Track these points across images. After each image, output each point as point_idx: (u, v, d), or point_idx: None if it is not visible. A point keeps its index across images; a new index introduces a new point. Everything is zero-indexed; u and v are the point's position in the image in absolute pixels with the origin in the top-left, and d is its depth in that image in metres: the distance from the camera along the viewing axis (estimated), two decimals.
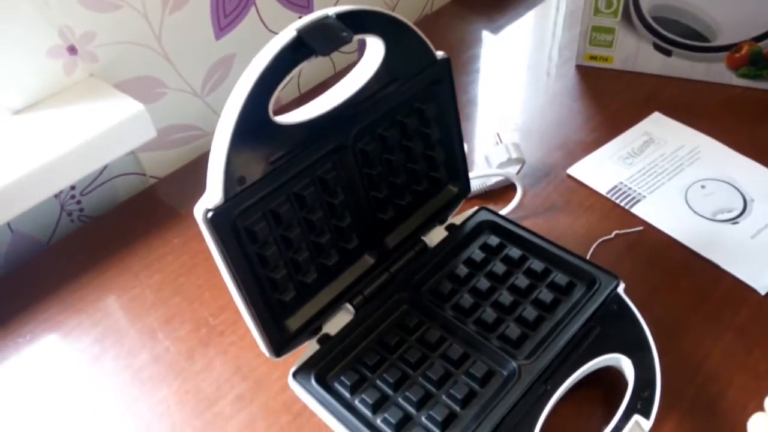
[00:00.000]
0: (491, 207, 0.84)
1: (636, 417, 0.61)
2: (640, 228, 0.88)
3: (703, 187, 0.92)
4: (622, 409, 0.62)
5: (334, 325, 0.71)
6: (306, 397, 0.66)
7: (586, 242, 0.86)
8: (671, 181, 0.93)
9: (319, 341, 0.70)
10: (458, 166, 0.79)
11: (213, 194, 0.57)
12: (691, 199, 0.90)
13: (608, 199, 0.93)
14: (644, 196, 0.91)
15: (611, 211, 0.91)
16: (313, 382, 0.66)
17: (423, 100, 0.72)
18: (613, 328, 0.69)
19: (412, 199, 0.77)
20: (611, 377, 0.68)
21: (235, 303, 0.62)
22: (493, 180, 0.94)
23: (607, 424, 0.61)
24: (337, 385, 0.67)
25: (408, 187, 0.76)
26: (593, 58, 1.16)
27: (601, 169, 0.96)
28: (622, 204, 0.91)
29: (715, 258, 0.82)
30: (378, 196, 0.72)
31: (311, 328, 0.69)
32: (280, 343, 0.66)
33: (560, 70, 1.19)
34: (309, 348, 0.69)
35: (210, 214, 0.56)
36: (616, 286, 0.72)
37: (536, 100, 1.14)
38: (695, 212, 0.89)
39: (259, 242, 0.61)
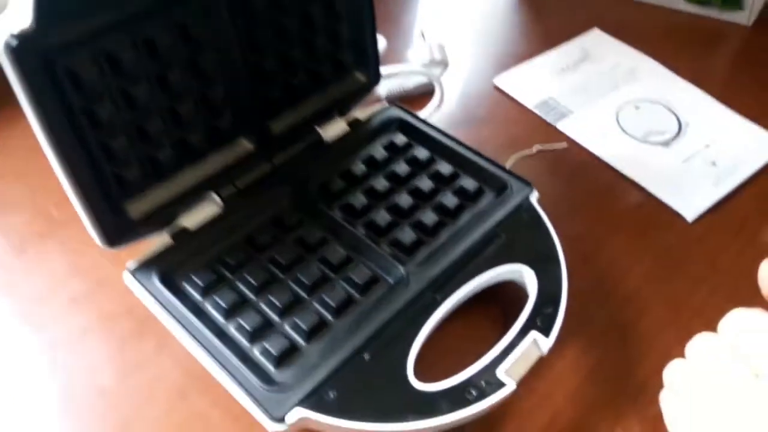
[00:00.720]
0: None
1: (534, 334, 0.52)
2: (564, 144, 0.79)
3: (636, 107, 0.83)
4: (520, 324, 0.53)
5: (194, 218, 0.59)
6: (145, 297, 0.54)
7: (503, 156, 0.77)
8: (604, 99, 0.84)
9: (174, 237, 0.58)
10: (367, 49, 0.68)
11: (19, 15, 0.43)
12: (623, 119, 0.82)
13: (535, 114, 0.83)
14: (572, 112, 0.82)
15: (537, 126, 0.82)
16: (155, 279, 0.55)
17: None
18: (520, 238, 0.60)
19: (308, 80, 0.65)
20: (512, 293, 0.59)
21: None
22: (412, 82, 0.83)
23: (501, 333, 0.52)
24: (186, 286, 0.56)
25: (303, 65, 0.64)
26: None
27: (530, 82, 0.86)
28: (548, 120, 0.82)
29: (643, 181, 0.74)
30: (261, 66, 0.60)
31: (162, 217, 0.57)
32: (115, 230, 0.54)
33: None
34: (159, 242, 0.57)
35: (14, 44, 0.43)
36: (529, 193, 0.63)
37: (473, 3, 1.03)
38: (626, 132, 0.80)
39: (86, 93, 0.48)
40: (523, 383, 0.50)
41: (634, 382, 0.57)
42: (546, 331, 0.53)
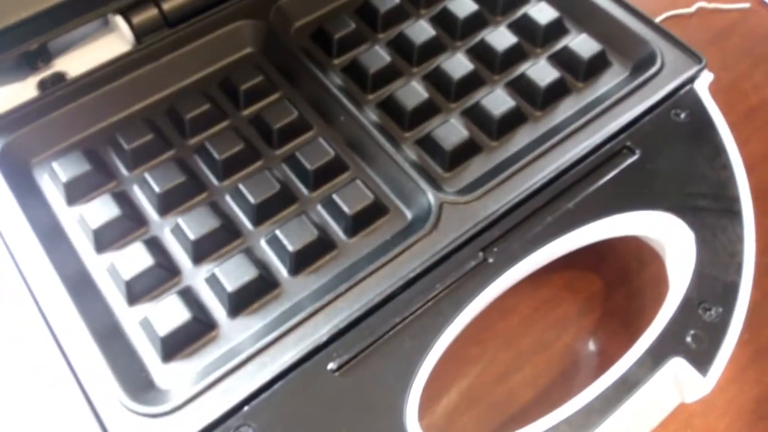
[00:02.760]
0: None
1: (679, 364, 0.26)
2: (746, 4, 0.47)
3: None
4: (650, 340, 0.26)
5: (81, 58, 0.33)
6: None
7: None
8: None
9: (44, 83, 0.33)
10: None
11: None
12: None
13: None
14: None
15: None
16: None
17: None
18: (669, 161, 0.31)
19: None
20: (633, 263, 0.32)
21: None
22: None
23: (604, 359, 0.26)
24: (43, 180, 0.31)
25: None
26: None
27: None
28: None
29: None
30: None
31: (22, 46, 0.32)
32: None
33: None
34: (19, 90, 0.32)
35: None
36: (696, 74, 0.33)
37: None
38: None
39: None
40: None
41: None
42: (704, 360, 0.26)
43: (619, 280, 0.34)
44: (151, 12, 0.34)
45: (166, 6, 0.34)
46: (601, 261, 0.35)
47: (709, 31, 0.47)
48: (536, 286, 0.33)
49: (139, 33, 0.34)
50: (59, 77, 0.33)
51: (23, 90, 0.33)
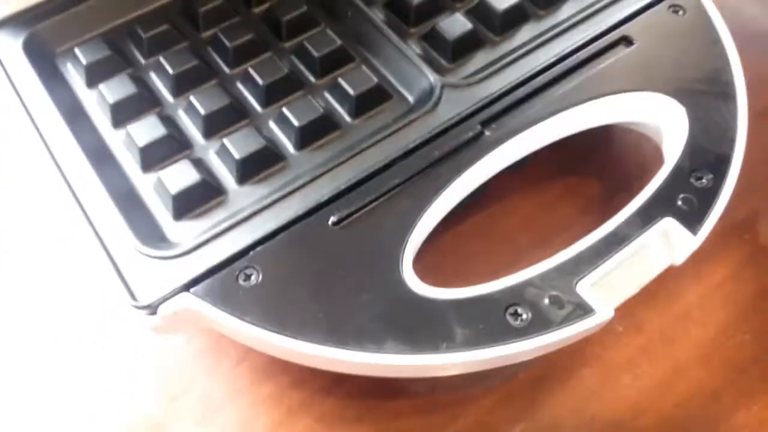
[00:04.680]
0: None
1: (669, 223, 0.26)
2: None
3: None
4: (643, 199, 0.27)
5: None
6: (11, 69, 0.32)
7: None
8: None
9: None
10: None
11: None
12: None
13: None
14: None
15: None
16: (20, 46, 0.32)
17: None
18: (664, 47, 0.32)
19: None
20: (630, 150, 0.32)
21: None
22: None
23: (601, 221, 0.27)
24: (65, 65, 0.33)
25: None
26: None
27: None
28: None
29: None
30: None
31: None
32: None
33: None
34: None
35: None
36: None
37: None
38: None
39: None
40: (623, 311, 0.26)
41: None
42: (694, 220, 0.27)
43: (619, 185, 0.35)
44: None
45: None
46: (601, 168, 0.35)
47: None
48: (537, 190, 0.34)
49: None
50: None
51: None
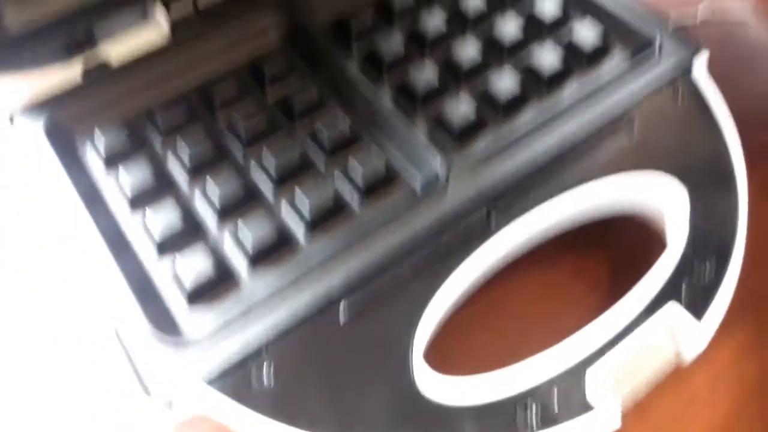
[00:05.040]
0: None
1: (673, 308, 0.27)
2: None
3: None
4: (646, 287, 0.28)
5: (120, 47, 0.36)
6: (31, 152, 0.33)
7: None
8: None
9: (87, 67, 0.36)
10: None
11: None
12: None
13: None
14: None
15: None
16: (42, 130, 0.33)
17: None
18: (665, 129, 0.33)
19: None
20: (632, 232, 0.33)
21: None
22: None
23: (606, 302, 0.27)
24: (85, 147, 0.34)
25: None
26: None
27: None
28: None
29: None
30: None
31: (64, 35, 0.35)
32: None
33: None
34: (62, 76, 0.36)
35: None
36: (691, 57, 0.35)
37: None
38: None
39: None
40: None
41: None
42: (698, 307, 0.27)
43: (624, 265, 0.35)
44: (185, 2, 0.37)
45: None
46: (606, 248, 0.36)
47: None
48: (542, 270, 0.35)
49: (174, 22, 0.37)
50: (102, 65, 0.36)
51: (69, 72, 0.36)
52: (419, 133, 0.34)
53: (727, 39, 0.48)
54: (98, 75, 0.36)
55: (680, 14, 0.48)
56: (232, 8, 0.37)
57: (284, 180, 0.32)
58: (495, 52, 0.37)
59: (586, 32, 0.37)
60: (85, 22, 0.35)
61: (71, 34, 0.35)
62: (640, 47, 0.36)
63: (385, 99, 0.36)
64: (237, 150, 0.34)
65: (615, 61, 0.37)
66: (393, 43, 0.37)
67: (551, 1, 0.39)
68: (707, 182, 0.31)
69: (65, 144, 0.34)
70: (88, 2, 0.35)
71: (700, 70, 0.35)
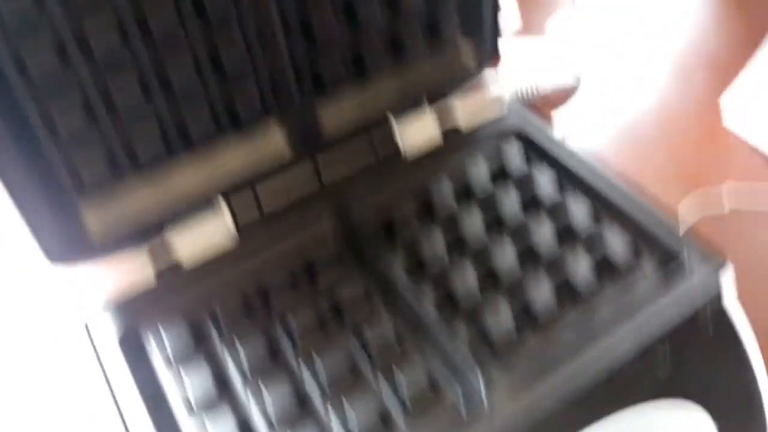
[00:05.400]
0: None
1: None
2: None
3: None
4: None
5: (187, 239, 0.40)
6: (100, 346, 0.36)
7: (674, 194, 0.51)
8: None
9: (160, 274, 0.39)
10: (481, 10, 0.44)
11: None
12: None
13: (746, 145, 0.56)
14: None
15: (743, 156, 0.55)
16: (115, 328, 0.36)
17: None
18: (693, 359, 0.35)
19: (383, 50, 0.43)
20: None
21: None
22: (550, 79, 0.59)
23: None
24: (150, 344, 0.37)
25: (378, 25, 0.42)
26: None
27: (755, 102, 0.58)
28: None
29: None
30: (314, 24, 0.39)
31: (141, 230, 0.38)
32: (63, 240, 0.36)
33: None
34: (134, 264, 0.39)
35: None
36: (718, 280, 0.37)
37: None
38: None
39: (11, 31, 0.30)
40: None
41: None
42: None
43: None
44: (249, 203, 0.41)
45: (262, 199, 0.41)
46: None
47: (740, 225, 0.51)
48: None
49: (241, 225, 0.41)
50: (173, 266, 0.39)
51: (143, 274, 0.39)
52: (460, 344, 0.36)
53: (755, 232, 0.51)
54: (169, 277, 0.39)
55: (706, 200, 0.51)
56: (293, 212, 0.41)
57: (333, 390, 0.34)
58: (532, 261, 0.40)
59: (617, 243, 0.39)
60: (159, 228, 0.38)
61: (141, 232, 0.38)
62: (667, 259, 0.38)
63: (427, 304, 0.38)
64: (290, 355, 0.36)
65: (646, 276, 0.39)
66: (436, 247, 0.40)
67: (583, 211, 0.41)
68: (734, 414, 0.33)
69: (132, 340, 0.37)
70: (165, 215, 0.38)
71: (730, 294, 0.37)
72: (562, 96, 0.60)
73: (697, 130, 0.58)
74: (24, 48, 0.30)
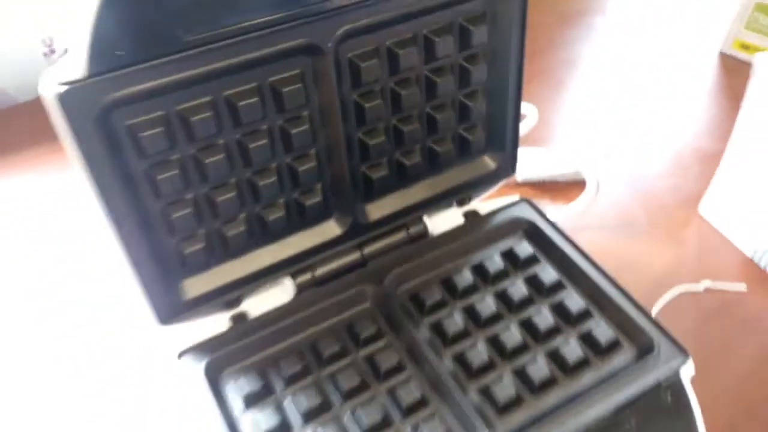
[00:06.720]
0: (543, 203, 0.59)
1: None
2: (743, 287, 0.61)
3: None
4: None
5: (259, 303, 0.50)
6: (187, 387, 0.46)
7: (659, 288, 0.60)
8: None
9: (234, 319, 0.49)
10: (505, 129, 0.55)
11: (74, 61, 0.37)
12: None
13: (725, 240, 0.65)
14: None
15: (713, 250, 0.64)
16: (202, 372, 0.46)
17: (473, 19, 0.49)
18: (654, 422, 0.44)
19: (422, 160, 0.54)
20: None
21: None
22: (559, 170, 0.69)
23: None
24: (229, 387, 0.47)
25: (419, 142, 0.53)
26: (746, 47, 0.86)
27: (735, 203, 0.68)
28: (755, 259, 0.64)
29: None
30: (366, 142, 0.50)
31: (225, 297, 0.49)
32: (169, 307, 0.46)
33: (697, 55, 0.90)
34: (216, 323, 0.49)
35: (64, 90, 0.36)
36: (680, 365, 0.46)
37: (658, 86, 0.86)
38: None
39: (147, 156, 0.41)
40: None
41: None
42: None
43: None
44: (308, 277, 0.51)
45: (318, 271, 0.51)
46: None
47: (713, 307, 0.60)
48: None
49: (298, 285, 0.51)
50: (243, 316, 0.50)
51: (220, 322, 0.49)
52: (470, 403, 0.45)
53: (724, 310, 0.60)
54: (239, 325, 0.49)
55: (686, 287, 0.61)
56: (340, 278, 0.51)
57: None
58: (532, 337, 0.50)
59: (603, 330, 0.49)
60: (237, 290, 0.49)
61: (226, 298, 0.49)
62: (644, 349, 0.48)
63: (446, 365, 0.48)
64: (337, 400, 0.46)
65: (624, 356, 0.48)
66: (455, 317, 0.50)
67: (576, 300, 0.51)
68: None
69: (214, 378, 0.47)
70: (242, 278, 0.49)
71: (687, 374, 0.46)
72: (567, 185, 0.70)
73: (682, 225, 0.68)
74: (157, 174, 0.42)
